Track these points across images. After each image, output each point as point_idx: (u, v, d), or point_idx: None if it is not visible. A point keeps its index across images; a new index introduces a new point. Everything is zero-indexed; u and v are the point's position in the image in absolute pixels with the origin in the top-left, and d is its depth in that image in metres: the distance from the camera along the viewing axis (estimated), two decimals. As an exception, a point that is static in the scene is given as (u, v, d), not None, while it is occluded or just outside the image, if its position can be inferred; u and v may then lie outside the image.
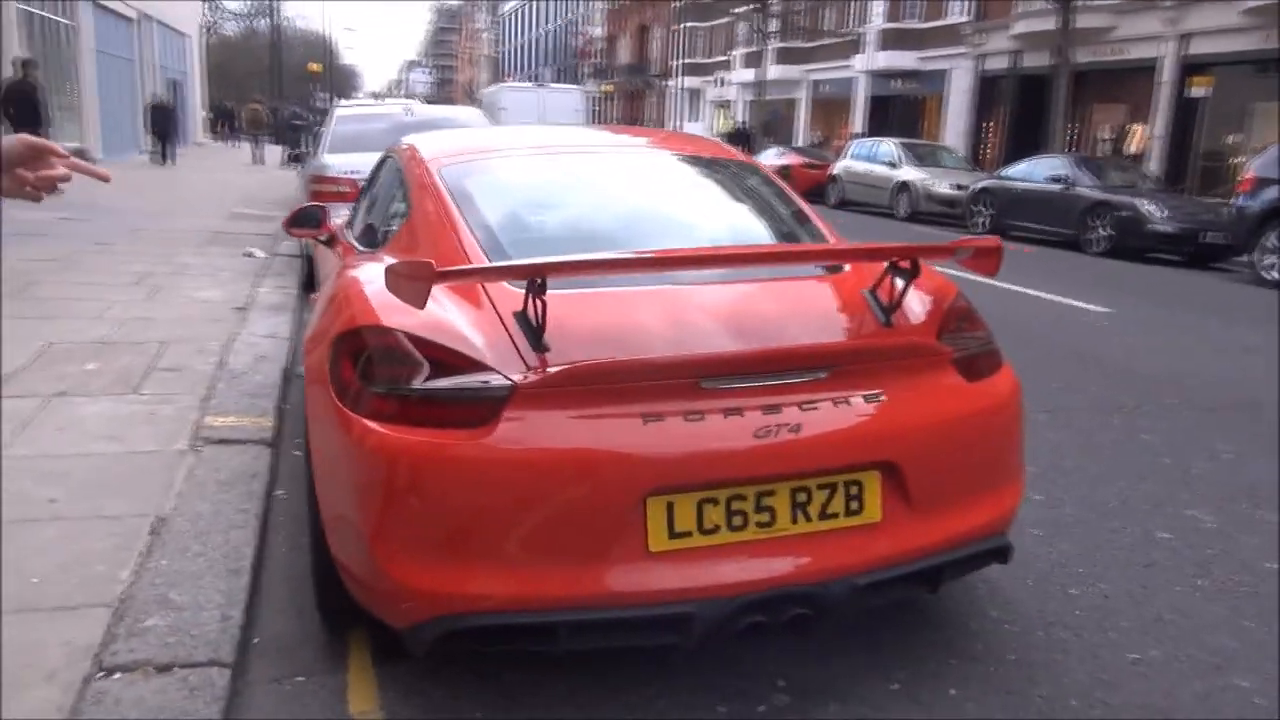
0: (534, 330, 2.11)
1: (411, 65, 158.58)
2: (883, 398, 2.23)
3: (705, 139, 3.58)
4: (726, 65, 44.20)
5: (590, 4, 66.00)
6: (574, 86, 35.78)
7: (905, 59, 31.06)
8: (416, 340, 2.18)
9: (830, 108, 37.22)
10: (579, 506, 2.04)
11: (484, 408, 2.06)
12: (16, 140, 1.39)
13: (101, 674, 2.27)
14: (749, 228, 2.94)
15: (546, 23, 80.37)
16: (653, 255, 2.32)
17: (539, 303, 2.09)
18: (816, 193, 20.44)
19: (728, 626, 2.11)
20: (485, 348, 2.14)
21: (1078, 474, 4.02)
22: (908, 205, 17.68)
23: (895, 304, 2.38)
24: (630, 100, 57.72)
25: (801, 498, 2.16)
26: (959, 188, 16.77)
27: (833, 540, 2.20)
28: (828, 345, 2.25)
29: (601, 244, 2.66)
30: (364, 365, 2.22)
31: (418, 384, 2.11)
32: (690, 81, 48.90)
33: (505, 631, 2.11)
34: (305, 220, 4.05)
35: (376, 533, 2.13)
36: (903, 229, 16.11)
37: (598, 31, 63.80)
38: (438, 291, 2.28)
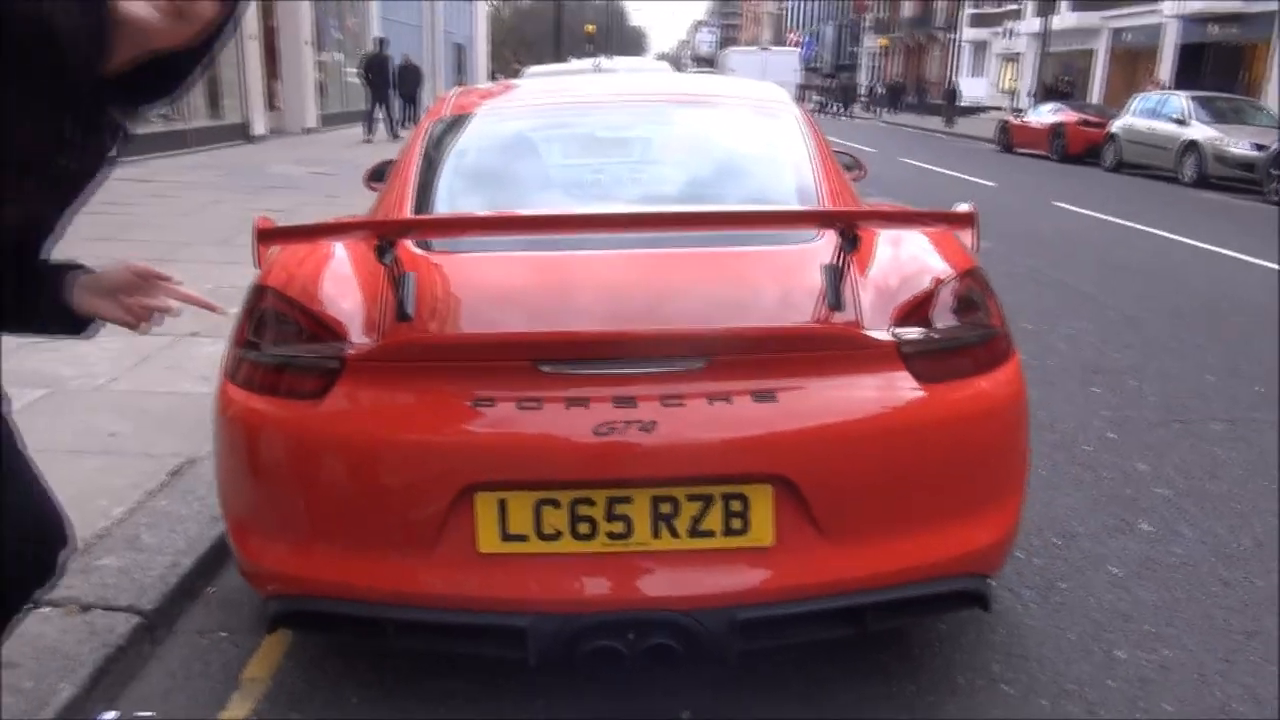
0: (395, 297, 1.92)
1: (698, 25, 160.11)
2: (776, 397, 1.82)
3: (774, 93, 3.15)
4: (1016, 15, 40.66)
5: (877, -46, 63.11)
6: (794, 49, 39.60)
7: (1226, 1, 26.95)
8: (293, 303, 2.05)
9: (1133, 59, 33.14)
10: (401, 495, 1.85)
11: (318, 380, 1.90)
12: (125, 268, 1.40)
13: (29, 606, 2.38)
14: (720, 193, 2.53)
15: (831, -24, 77.88)
16: (514, 216, 2.04)
17: (395, 266, 1.89)
18: (1093, 154, 18.33)
19: (573, 648, 1.84)
20: (346, 315, 1.97)
21: (1221, 504, 3.23)
22: (1194, 169, 15.29)
23: (842, 282, 1.94)
24: (910, 55, 54.73)
25: (665, 509, 1.82)
26: (1259, 148, 14.23)
27: (707, 562, 1.85)
28: (696, 330, 1.86)
29: (541, 203, 2.40)
30: (254, 326, 2.13)
31: (269, 350, 1.99)
32: (976, 34, 45.45)
33: (337, 620, 1.98)
34: (383, 174, 4.05)
35: (225, 501, 2.08)
36: (1181, 196, 14.03)
37: (882, -17, 60.90)
38: (344, 250, 2.16)
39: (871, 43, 61.71)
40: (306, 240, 2.05)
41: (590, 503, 1.82)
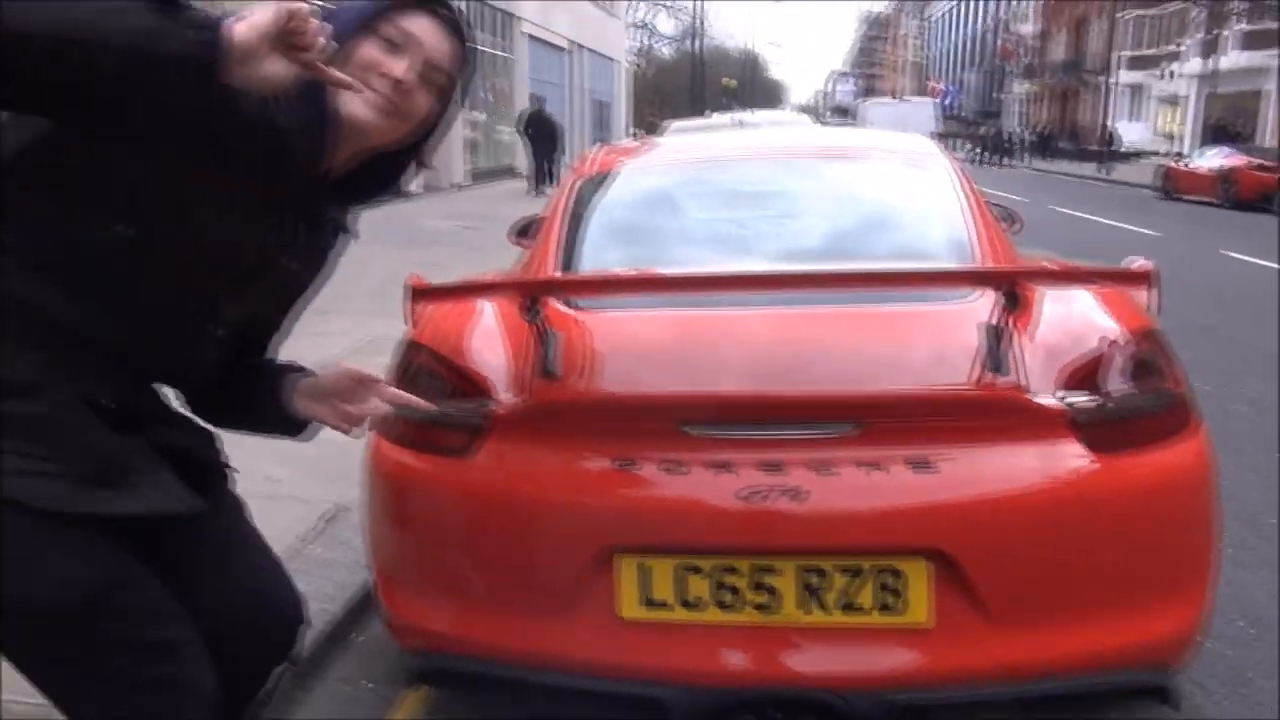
0: (542, 355, 1.93)
1: (837, 76, 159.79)
2: (934, 466, 1.72)
3: (922, 145, 3.06)
4: (1176, 56, 38.78)
5: (1023, 1, 61.65)
6: (930, 100, 40.45)
7: None
8: (442, 360, 2.09)
9: (1310, 99, 31.02)
10: (542, 554, 1.84)
11: (465, 436, 1.92)
12: (343, 373, 1.44)
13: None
14: (869, 249, 2.43)
15: (975, 23, 76.55)
16: (660, 275, 2.01)
17: (542, 324, 1.90)
18: (1265, 200, 17.13)
19: (715, 723, 1.77)
20: (493, 372, 1.99)
21: None
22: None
23: (1003, 343, 1.82)
24: (1061, 100, 52.89)
25: (814, 581, 1.73)
26: None
27: (859, 641, 1.75)
28: (847, 393, 1.77)
29: (689, 260, 2.37)
30: (405, 382, 2.17)
31: (418, 405, 2.03)
32: (1132, 77, 43.55)
33: (476, 679, 1.97)
34: (529, 230, 4.14)
35: (372, 553, 2.11)
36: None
37: (1028, 29, 59.31)
38: (492, 307, 2.19)
39: (1019, 88, 60.02)
40: (457, 298, 2.09)
41: (735, 571, 1.75)
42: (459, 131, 20.07)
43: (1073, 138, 38.57)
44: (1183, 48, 37.82)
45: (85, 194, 1.15)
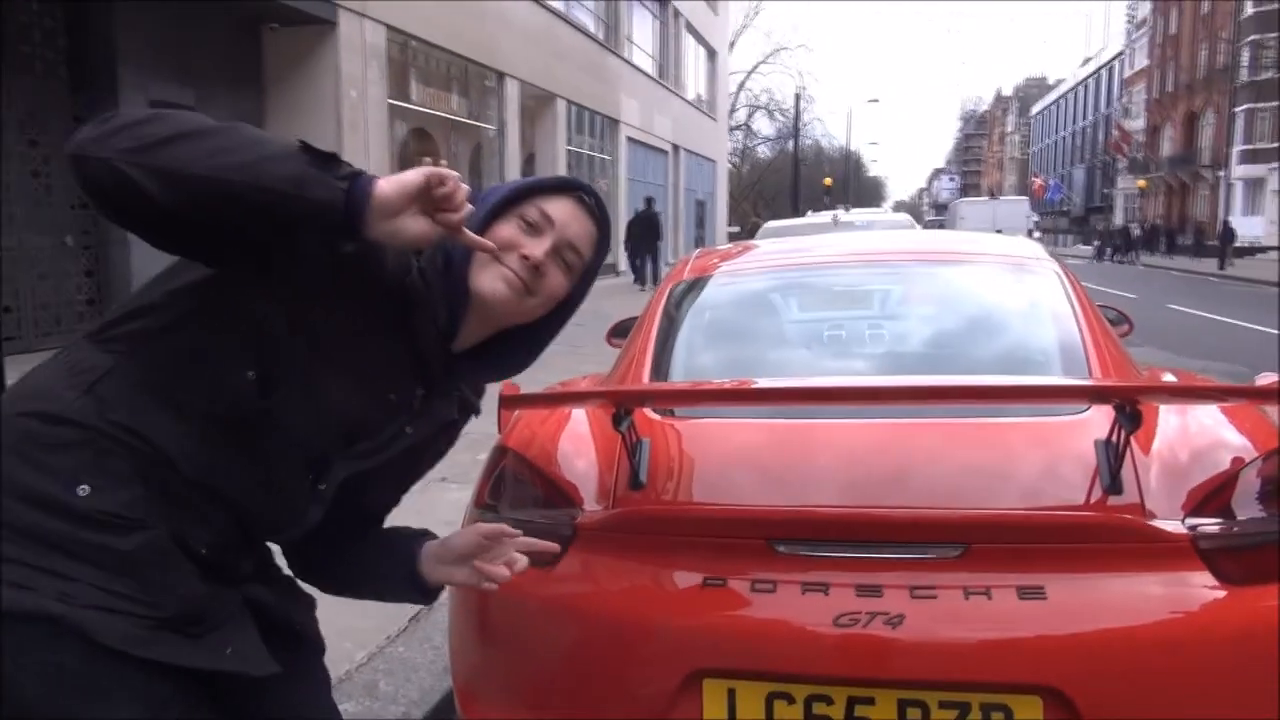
0: (630, 464, 1.90)
1: (937, 173, 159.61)
2: (1046, 594, 1.60)
3: (1029, 248, 2.97)
4: (1296, 149, 37.50)
5: (1130, 95, 60.84)
6: (1023, 198, 40.07)
7: None
8: (532, 466, 2.08)
9: None
10: (627, 673, 1.77)
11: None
12: (475, 532, 1.44)
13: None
14: (973, 357, 2.34)
15: (1080, 119, 75.77)
16: (752, 388, 1.96)
17: (631, 433, 1.87)
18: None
19: None
20: (581, 480, 1.96)
21: None
22: None
23: (1120, 461, 1.71)
24: (1173, 195, 51.49)
25: (914, 715, 1.62)
26: None
27: (965, 782, 1.61)
28: (951, 513, 1.67)
29: (786, 365, 2.33)
30: (493, 487, 2.17)
31: (506, 512, 2.01)
32: (1248, 170, 42.22)
33: (555, 802, 1.88)
34: (625, 331, 4.16)
35: (454, 660, 2.07)
36: None
37: (1138, 124, 58.34)
38: (583, 416, 2.17)
39: (1127, 183, 58.74)
40: (547, 407, 2.08)
41: (828, 700, 1.65)
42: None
43: (1196, 232, 37.12)
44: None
45: (220, 336, 1.16)
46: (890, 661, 1.61)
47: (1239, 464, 1.79)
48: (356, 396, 1.26)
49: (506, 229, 1.28)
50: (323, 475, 1.28)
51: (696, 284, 2.84)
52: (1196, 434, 1.90)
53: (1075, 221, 67.42)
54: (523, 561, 1.41)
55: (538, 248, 1.28)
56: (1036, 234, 54.77)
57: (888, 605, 1.61)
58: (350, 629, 3.16)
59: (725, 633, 1.70)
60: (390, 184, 1.07)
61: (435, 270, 1.27)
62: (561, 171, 20.53)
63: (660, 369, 2.39)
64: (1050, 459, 1.82)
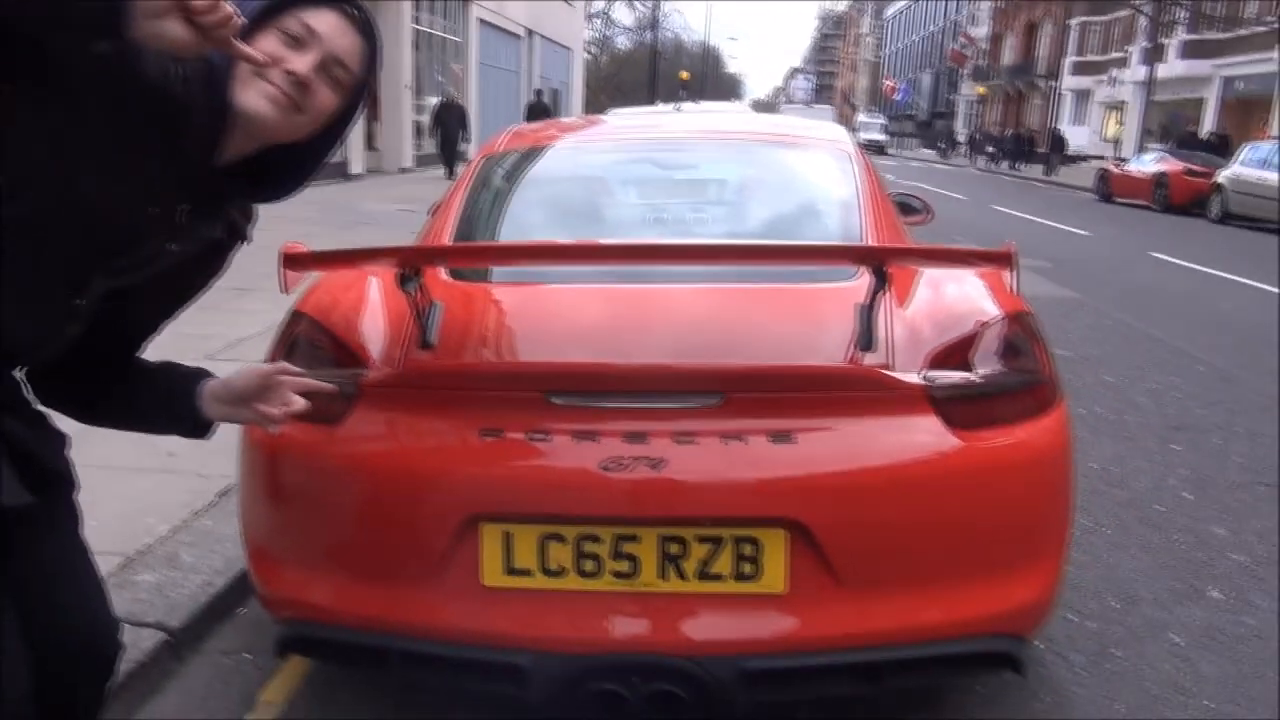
0: (419, 326, 1.92)
1: (794, 72, 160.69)
2: (794, 439, 1.75)
3: (833, 131, 3.10)
4: (1121, 63, 39.65)
5: (977, 3, 62.51)
6: (829, 107, 52.40)
7: (1350, 48, 25.75)
8: (322, 329, 2.07)
9: (1245, 108, 31.90)
10: (407, 523, 1.83)
11: (339, 405, 1.91)
12: (254, 374, 1.42)
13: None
14: (758, 228, 2.47)
15: (931, 24, 77.48)
16: (528, 245, 2.03)
17: (420, 295, 1.90)
18: (1199, 205, 17.60)
19: (574, 689, 1.78)
20: (371, 342, 1.98)
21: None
22: (1306, 221, 14.57)
23: (873, 322, 1.86)
24: (1009, 103, 53.79)
25: (674, 549, 1.76)
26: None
27: (716, 608, 1.78)
28: (710, 365, 1.80)
29: (582, 233, 2.38)
30: (286, 351, 2.15)
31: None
32: (1078, 82, 44.41)
33: (341, 648, 1.96)
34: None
35: (244, 525, 2.09)
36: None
37: (981, 31, 60.17)
38: (379, 283, 2.17)
39: (969, 90, 60.89)
40: (332, 266, 2.07)
41: (596, 539, 1.77)
42: (408, 116, 19.85)
43: (1018, 140, 39.10)
44: (1127, 54, 38.65)
45: None
46: (652, 501, 1.74)
47: (979, 325, 1.98)
48: (114, 208, 1.22)
49: (267, 42, 1.23)
50: (80, 290, 1.25)
51: (505, 157, 2.85)
52: (947, 299, 2.08)
53: (920, 126, 69.59)
54: (299, 403, 1.43)
55: (302, 63, 1.24)
56: (884, 137, 56.55)
57: (651, 451, 1.73)
58: (156, 504, 3.12)
59: (501, 479, 1.78)
60: None
61: (199, 81, 1.21)
62: (409, 53, 19.60)
63: (462, 237, 2.40)
64: (809, 319, 1.97)
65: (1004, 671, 1.97)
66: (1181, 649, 2.52)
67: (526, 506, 1.77)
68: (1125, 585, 2.87)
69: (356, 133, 17.31)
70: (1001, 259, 1.76)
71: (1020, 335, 2.03)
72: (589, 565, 1.77)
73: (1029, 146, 37.87)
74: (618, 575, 1.77)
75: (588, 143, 2.99)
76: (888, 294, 1.90)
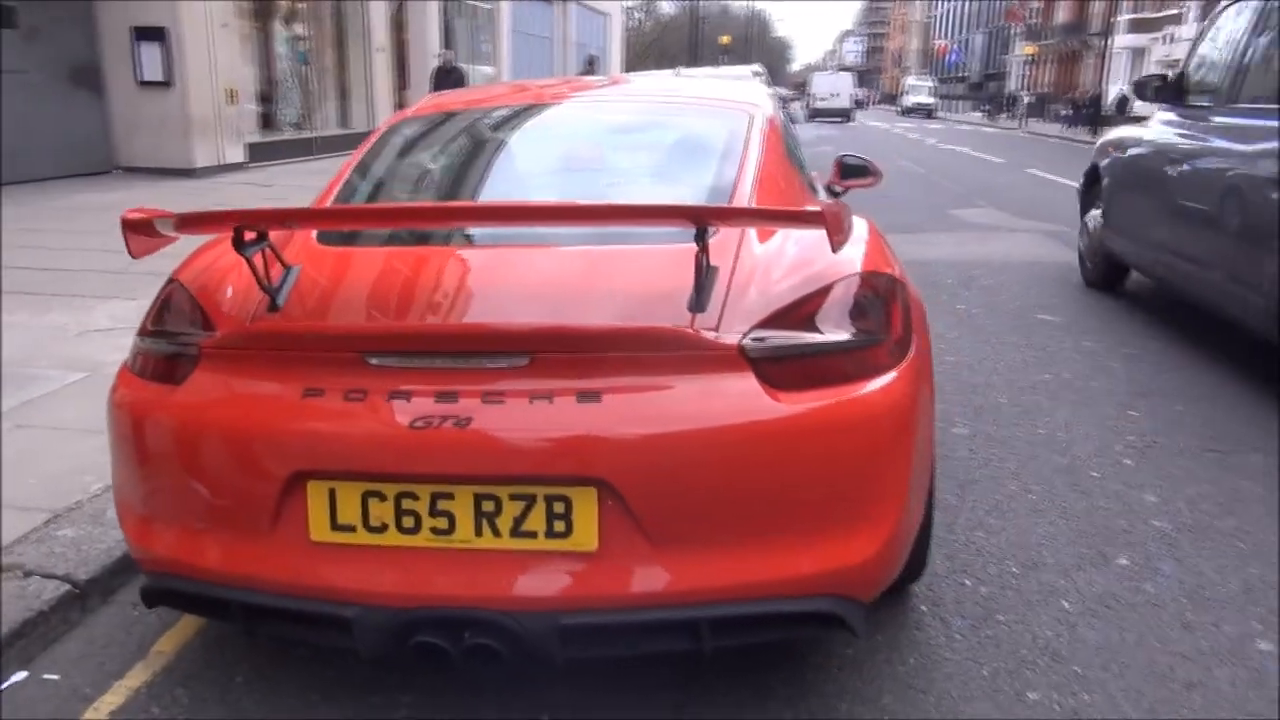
0: (264, 290, 1.98)
1: (845, 35, 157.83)
2: (600, 398, 1.78)
3: (747, 94, 3.07)
4: (1177, 19, 38.27)
5: (1031, -41, 60.62)
6: (847, 73, 54.98)
7: None
8: (186, 293, 2.15)
9: (1309, 64, 30.60)
10: (239, 480, 1.91)
11: (181, 367, 1.99)
12: None
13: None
14: (626, 192, 2.47)
15: (983, -17, 75.34)
16: (361, 209, 2.07)
17: (261, 258, 1.95)
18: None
19: (399, 642, 1.85)
20: (223, 306, 2.06)
21: (1224, 542, 2.94)
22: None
23: (697, 282, 1.87)
24: (1063, 63, 52.26)
25: (488, 507, 1.81)
26: None
27: (529, 564, 1.82)
28: (515, 325, 1.83)
29: (449, 197, 2.43)
30: (154, 315, 2.22)
31: (148, 338, 2.10)
32: (1134, 40, 43.06)
33: (195, 600, 2.04)
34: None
35: (113, 480, 2.17)
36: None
37: (1035, -11, 58.44)
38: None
39: (1020, 51, 59.28)
40: (176, 231, 2.12)
41: (414, 497, 1.82)
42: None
43: (1070, 102, 37.86)
44: (1183, 9, 37.28)
45: None
46: (461, 459, 1.78)
47: (824, 286, 1.97)
48: None
49: None
50: None
51: (408, 124, 2.89)
52: (799, 260, 2.07)
53: (972, 87, 68.01)
54: None
55: None
56: (932, 100, 55.44)
57: (459, 410, 1.77)
58: (96, 464, 3.23)
59: (323, 438, 1.84)
60: None
61: None
62: (435, 22, 19.66)
63: (342, 199, 2.46)
64: (640, 280, 1.98)
65: (839, 631, 1.98)
66: (1069, 615, 2.51)
67: (346, 464, 1.83)
68: (1031, 551, 2.85)
69: (385, 102, 17.46)
70: (814, 219, 1.76)
71: (869, 296, 2.03)
72: (408, 521, 1.82)
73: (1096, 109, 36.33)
74: (436, 532, 1.82)
75: (489, 111, 3.01)
76: (733, 254, 1.92)
